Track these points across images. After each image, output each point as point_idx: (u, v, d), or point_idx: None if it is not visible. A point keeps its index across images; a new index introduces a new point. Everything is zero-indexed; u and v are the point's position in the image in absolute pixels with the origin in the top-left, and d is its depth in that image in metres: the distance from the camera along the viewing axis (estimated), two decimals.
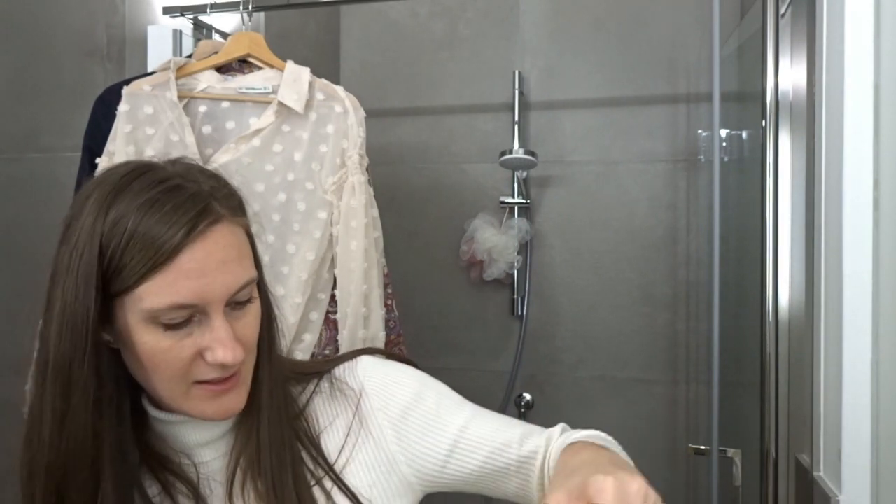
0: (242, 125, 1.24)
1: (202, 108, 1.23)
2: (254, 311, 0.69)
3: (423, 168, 2.03)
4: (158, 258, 0.61)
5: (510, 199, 1.90)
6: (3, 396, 1.48)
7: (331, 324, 1.26)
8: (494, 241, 1.86)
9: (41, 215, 1.69)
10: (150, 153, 1.19)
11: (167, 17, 1.48)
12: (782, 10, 1.19)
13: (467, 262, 1.92)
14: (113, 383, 0.65)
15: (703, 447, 1.43)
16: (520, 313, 1.94)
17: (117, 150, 1.19)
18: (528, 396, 1.95)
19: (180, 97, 1.21)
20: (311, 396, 0.77)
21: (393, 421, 0.75)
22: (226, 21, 1.59)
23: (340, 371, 0.79)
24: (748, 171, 1.44)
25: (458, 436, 0.74)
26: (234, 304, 0.66)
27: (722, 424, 1.63)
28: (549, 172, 1.92)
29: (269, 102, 1.23)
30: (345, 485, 0.72)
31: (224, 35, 1.56)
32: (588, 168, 1.91)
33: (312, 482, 0.71)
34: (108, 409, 0.65)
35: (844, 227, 0.91)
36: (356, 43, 2.07)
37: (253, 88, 1.25)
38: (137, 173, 0.65)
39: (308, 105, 1.23)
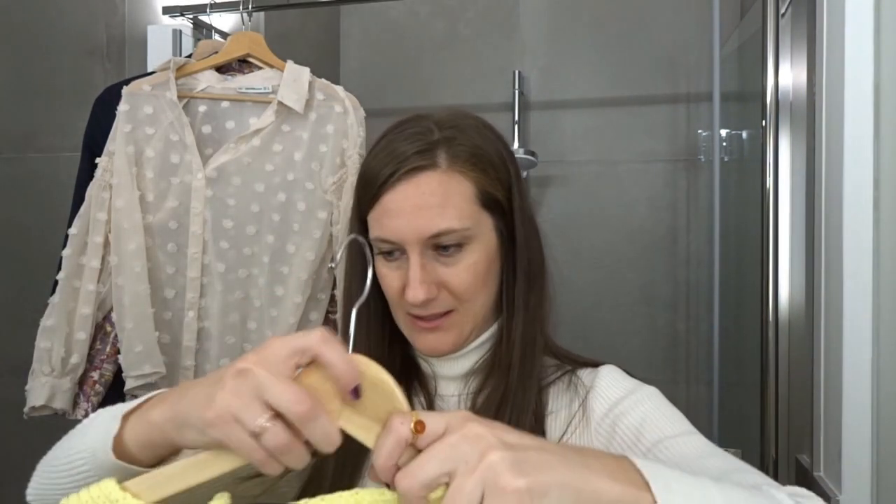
0: (242, 125, 1.24)
1: (202, 108, 1.23)
2: (466, 262, 0.70)
3: None
4: (370, 193, 0.70)
5: None
6: (3, 396, 1.48)
7: (331, 324, 1.26)
8: None
9: (41, 215, 1.69)
10: (150, 153, 1.20)
11: (167, 17, 1.47)
12: (782, 10, 1.19)
13: None
14: (382, 298, 0.74)
15: None
16: None
17: (117, 150, 1.19)
18: None
19: (180, 97, 1.20)
20: (551, 381, 0.77)
21: (607, 427, 0.71)
22: (226, 21, 1.59)
23: (583, 371, 0.79)
24: (748, 171, 1.44)
25: (657, 445, 0.67)
26: (439, 249, 0.70)
27: (722, 424, 1.63)
28: (549, 172, 1.92)
29: (268, 102, 1.23)
30: None
31: (224, 35, 1.56)
32: (588, 168, 1.91)
33: None
34: (378, 319, 0.74)
35: (844, 226, 0.91)
36: (356, 43, 2.07)
37: (253, 88, 1.25)
38: (405, 119, 0.74)
39: (308, 105, 1.23)
